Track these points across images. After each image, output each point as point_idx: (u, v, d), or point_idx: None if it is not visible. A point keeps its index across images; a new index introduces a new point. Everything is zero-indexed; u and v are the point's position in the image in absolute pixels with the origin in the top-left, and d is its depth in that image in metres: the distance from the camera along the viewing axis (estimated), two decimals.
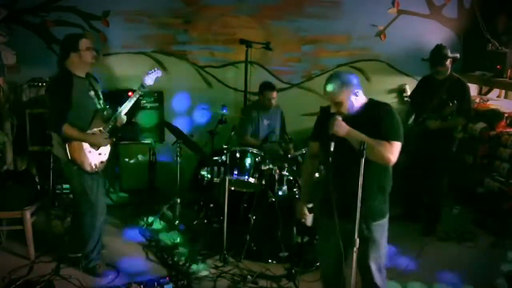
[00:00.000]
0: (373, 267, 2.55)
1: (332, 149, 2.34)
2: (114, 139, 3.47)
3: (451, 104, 3.97)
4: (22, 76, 4.48)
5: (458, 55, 4.23)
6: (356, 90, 2.44)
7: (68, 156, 3.17)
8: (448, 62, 4.09)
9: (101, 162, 3.35)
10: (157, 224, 4.28)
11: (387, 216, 2.57)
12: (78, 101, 3.17)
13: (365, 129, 2.37)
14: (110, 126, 3.35)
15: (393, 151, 2.36)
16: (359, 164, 2.26)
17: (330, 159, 2.34)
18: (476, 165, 4.85)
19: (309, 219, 2.76)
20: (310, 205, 2.72)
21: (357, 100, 2.46)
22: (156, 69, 3.60)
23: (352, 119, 2.43)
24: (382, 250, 2.58)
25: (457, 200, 4.91)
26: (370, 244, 2.51)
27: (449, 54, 4.10)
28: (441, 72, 4.13)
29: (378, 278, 2.58)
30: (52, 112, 3.21)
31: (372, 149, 2.31)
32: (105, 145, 3.34)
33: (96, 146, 3.29)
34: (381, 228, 2.55)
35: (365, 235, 2.48)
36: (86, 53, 3.20)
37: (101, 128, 3.31)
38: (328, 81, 2.47)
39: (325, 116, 2.53)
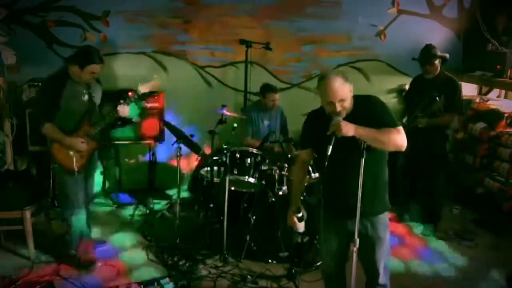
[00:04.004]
0: (381, 266, 2.54)
1: (329, 152, 2.23)
2: (101, 143, 3.52)
3: (437, 100, 3.98)
4: (22, 76, 4.46)
5: (447, 55, 4.26)
6: (351, 86, 2.37)
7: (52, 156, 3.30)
8: (437, 62, 4.15)
9: (82, 165, 3.39)
10: (157, 224, 4.28)
11: (389, 209, 2.56)
12: (67, 104, 3.27)
13: (363, 124, 2.30)
14: (96, 130, 3.40)
15: (402, 135, 2.35)
16: (362, 163, 2.25)
17: (326, 163, 2.23)
18: (476, 165, 4.85)
19: (300, 226, 2.62)
20: (299, 214, 2.57)
21: (352, 96, 2.39)
22: (155, 77, 3.61)
23: (350, 117, 2.36)
24: (387, 246, 2.56)
25: (457, 200, 4.90)
26: (376, 243, 2.49)
27: (438, 54, 4.16)
28: (430, 71, 4.18)
29: (383, 277, 2.57)
30: (39, 107, 3.37)
31: (386, 139, 2.30)
32: (82, 149, 3.36)
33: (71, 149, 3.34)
34: (385, 224, 2.53)
35: (370, 234, 2.45)
36: (87, 75, 3.28)
37: (81, 133, 3.36)
38: (328, 77, 2.33)
39: (316, 121, 2.47)
